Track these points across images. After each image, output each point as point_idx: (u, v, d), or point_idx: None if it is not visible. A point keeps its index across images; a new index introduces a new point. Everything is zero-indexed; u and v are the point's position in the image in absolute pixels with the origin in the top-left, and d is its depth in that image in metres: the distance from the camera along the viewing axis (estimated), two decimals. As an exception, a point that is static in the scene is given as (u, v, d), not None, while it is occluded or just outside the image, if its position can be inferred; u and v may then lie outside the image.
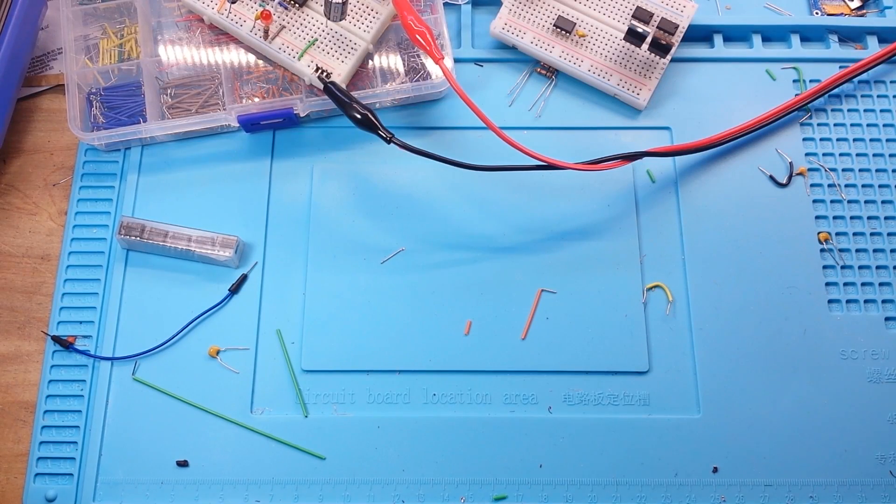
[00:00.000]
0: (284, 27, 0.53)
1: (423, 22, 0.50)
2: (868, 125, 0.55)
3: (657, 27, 0.53)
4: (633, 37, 0.52)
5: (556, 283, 0.50)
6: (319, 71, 0.51)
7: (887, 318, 0.50)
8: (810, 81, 0.55)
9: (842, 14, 0.58)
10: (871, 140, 0.54)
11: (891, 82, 0.56)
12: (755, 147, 0.54)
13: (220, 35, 0.54)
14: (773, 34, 0.57)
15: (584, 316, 0.49)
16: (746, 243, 0.51)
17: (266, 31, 0.52)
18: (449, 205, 0.52)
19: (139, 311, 0.50)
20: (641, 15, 0.53)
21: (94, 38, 0.55)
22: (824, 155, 0.54)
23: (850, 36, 0.57)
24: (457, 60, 0.56)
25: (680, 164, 0.53)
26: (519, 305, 0.50)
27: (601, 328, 0.49)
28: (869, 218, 0.52)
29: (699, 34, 0.57)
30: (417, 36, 0.50)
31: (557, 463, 0.47)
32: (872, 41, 0.57)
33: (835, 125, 0.55)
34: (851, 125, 0.55)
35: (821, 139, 0.54)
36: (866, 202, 0.53)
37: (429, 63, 0.54)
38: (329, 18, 0.51)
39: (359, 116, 0.49)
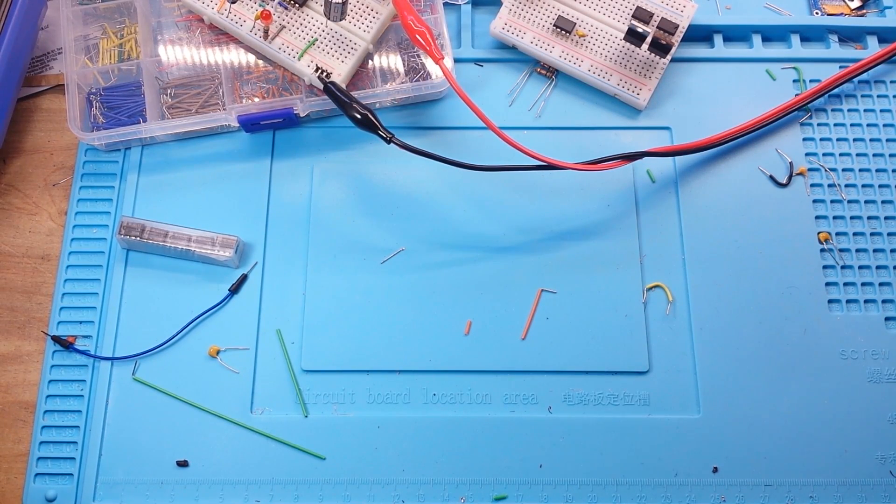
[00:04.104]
0: (284, 27, 0.53)
1: (423, 22, 0.50)
2: (868, 125, 0.55)
3: (657, 27, 0.53)
4: (633, 37, 0.52)
5: (556, 283, 0.50)
6: (319, 71, 0.51)
7: (887, 318, 0.50)
8: (810, 81, 0.55)
9: (842, 14, 0.58)
10: (871, 140, 0.54)
11: (891, 82, 0.56)
12: (755, 147, 0.54)
13: (220, 35, 0.54)
14: (773, 34, 0.57)
15: (584, 316, 0.49)
16: (746, 243, 0.51)
17: (266, 31, 0.52)
18: (449, 205, 0.52)
19: (139, 311, 0.50)
20: (641, 15, 0.53)
21: (94, 38, 0.55)
22: (824, 155, 0.54)
23: (850, 36, 0.57)
24: (457, 60, 0.56)
25: (680, 164, 0.53)
26: (519, 305, 0.50)
27: (601, 328, 0.49)
28: (869, 218, 0.52)
29: (699, 34, 0.57)
30: (417, 36, 0.50)
31: (557, 463, 0.47)
32: (872, 41, 0.57)
33: (835, 125, 0.55)
34: (851, 125, 0.55)
35: (821, 139, 0.54)
36: (866, 202, 0.53)
37: (429, 63, 0.54)
38: (329, 18, 0.51)
39: (359, 116, 0.49)
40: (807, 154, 0.54)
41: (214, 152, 0.54)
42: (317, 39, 0.52)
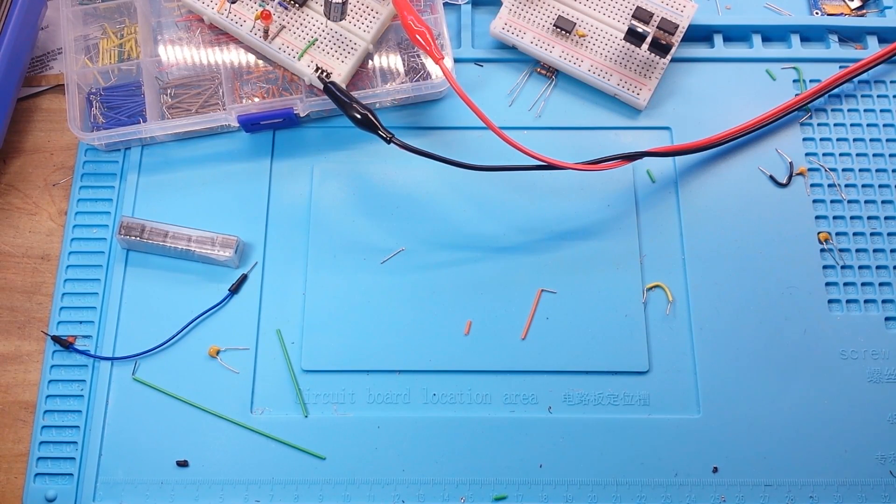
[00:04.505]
0: (284, 27, 0.53)
1: (423, 22, 0.50)
2: (868, 125, 0.55)
3: (657, 27, 0.53)
4: (633, 37, 0.52)
5: (556, 283, 0.50)
6: (319, 71, 0.51)
7: (887, 318, 0.50)
8: (810, 81, 0.55)
9: (842, 14, 0.58)
10: (871, 140, 0.54)
11: (891, 82, 0.56)
12: (755, 147, 0.54)
13: (220, 35, 0.54)
14: (773, 34, 0.57)
15: (584, 316, 0.49)
16: (746, 243, 0.51)
17: (266, 31, 0.52)
18: (449, 205, 0.52)
19: (139, 311, 0.50)
20: (641, 15, 0.53)
21: (94, 38, 0.55)
22: (824, 155, 0.54)
23: (850, 36, 0.57)
24: (457, 60, 0.56)
25: (680, 164, 0.53)
26: (519, 305, 0.50)
27: (601, 328, 0.49)
28: (869, 218, 0.52)
29: (699, 34, 0.57)
30: (417, 36, 0.50)
31: (557, 463, 0.47)
32: (872, 41, 0.57)
33: (835, 125, 0.55)
34: (851, 125, 0.55)
35: (821, 139, 0.54)
36: (866, 202, 0.53)
37: (429, 63, 0.54)
38: (329, 18, 0.51)
39: (359, 116, 0.49)
40: (807, 154, 0.54)
41: (214, 152, 0.54)
42: (317, 39, 0.52)
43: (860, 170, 0.53)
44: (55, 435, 0.47)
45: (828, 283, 0.50)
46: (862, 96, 0.55)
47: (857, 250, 0.51)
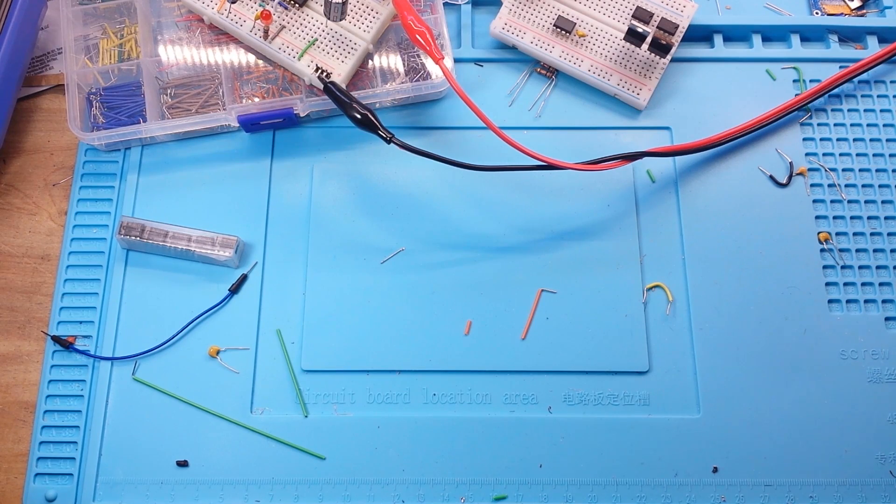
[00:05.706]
0: (284, 27, 0.53)
1: (423, 22, 0.50)
2: (868, 125, 0.55)
3: (657, 27, 0.53)
4: (633, 37, 0.52)
5: (556, 283, 0.50)
6: (319, 71, 0.51)
7: (887, 318, 0.50)
8: (810, 81, 0.55)
9: (842, 14, 0.58)
10: (871, 140, 0.54)
11: (891, 82, 0.56)
12: (755, 147, 0.54)
13: (220, 35, 0.54)
14: (773, 34, 0.57)
15: (584, 316, 0.49)
16: (746, 243, 0.51)
17: (266, 31, 0.52)
18: (449, 205, 0.52)
19: (139, 311, 0.50)
20: (641, 15, 0.53)
21: (94, 38, 0.55)
22: (824, 155, 0.54)
23: (850, 36, 0.57)
24: (457, 60, 0.56)
25: (680, 164, 0.53)
26: (519, 305, 0.50)
27: (601, 328, 0.49)
28: (869, 218, 0.52)
29: (699, 34, 0.57)
30: (417, 36, 0.50)
31: (557, 463, 0.47)
32: (872, 41, 0.57)
33: (835, 125, 0.55)
34: (851, 125, 0.55)
35: (821, 139, 0.54)
36: (866, 202, 0.53)
37: (429, 63, 0.54)
38: (329, 18, 0.51)
39: (359, 116, 0.49)
40: (807, 154, 0.54)
41: (214, 152, 0.54)
42: (317, 39, 0.52)
43: (860, 170, 0.53)
44: (55, 435, 0.47)
45: (828, 283, 0.50)
46: (862, 96, 0.55)
47: (857, 250, 0.51)
